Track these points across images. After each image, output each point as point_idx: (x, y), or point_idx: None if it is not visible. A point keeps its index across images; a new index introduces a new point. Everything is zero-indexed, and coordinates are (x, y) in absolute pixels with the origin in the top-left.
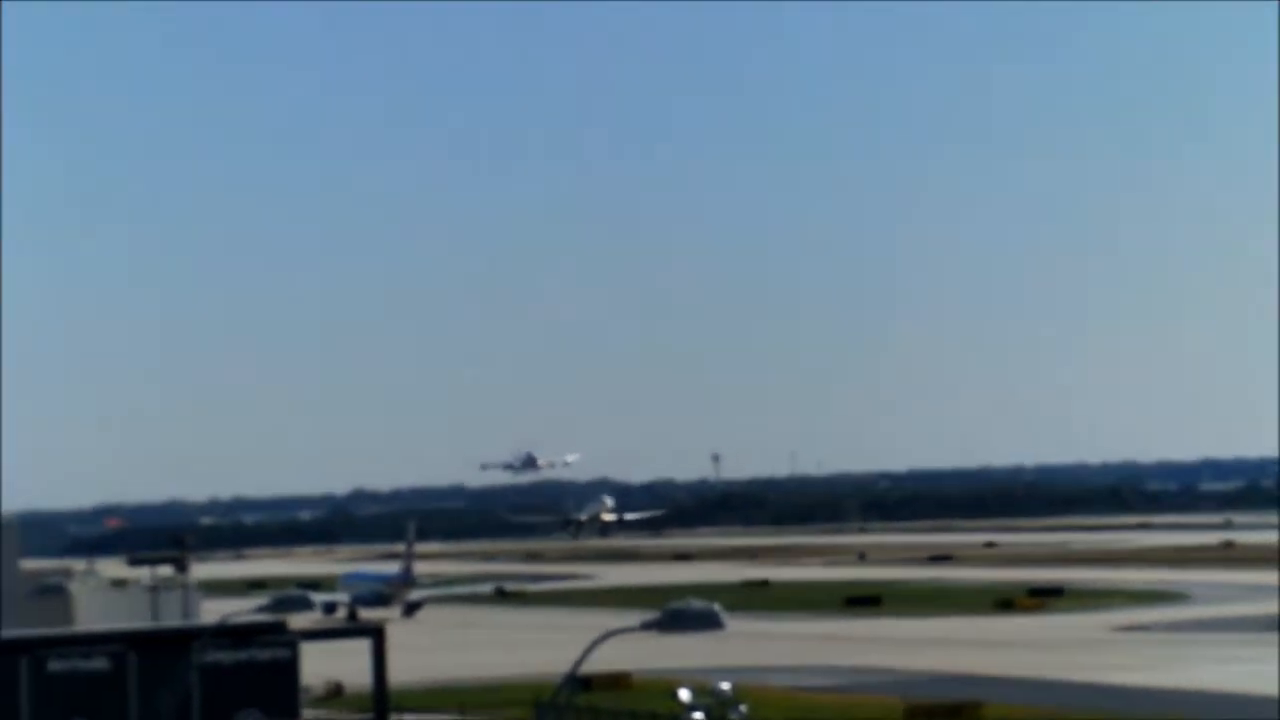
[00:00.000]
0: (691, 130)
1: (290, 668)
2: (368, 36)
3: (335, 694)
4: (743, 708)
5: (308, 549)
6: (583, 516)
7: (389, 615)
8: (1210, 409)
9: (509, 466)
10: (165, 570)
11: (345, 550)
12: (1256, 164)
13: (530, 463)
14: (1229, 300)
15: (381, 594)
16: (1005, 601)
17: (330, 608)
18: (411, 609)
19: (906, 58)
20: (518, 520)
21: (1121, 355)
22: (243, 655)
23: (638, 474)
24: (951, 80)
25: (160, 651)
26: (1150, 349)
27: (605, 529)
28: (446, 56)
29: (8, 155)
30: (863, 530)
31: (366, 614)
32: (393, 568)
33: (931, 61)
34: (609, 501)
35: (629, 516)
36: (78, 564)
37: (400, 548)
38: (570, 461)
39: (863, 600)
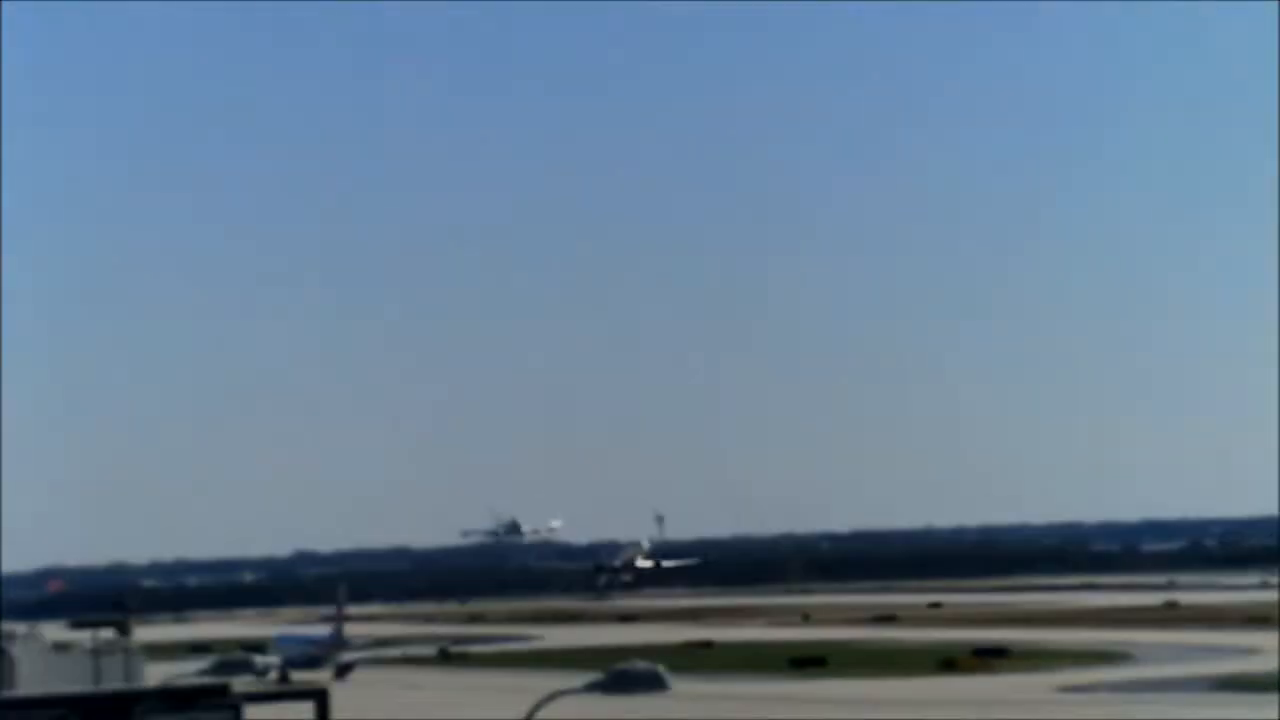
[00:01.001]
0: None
1: None
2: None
3: None
4: None
5: (250, 611)
6: (616, 563)
7: (320, 677)
8: (1152, 470)
9: (492, 533)
10: (107, 633)
11: (288, 612)
12: (1256, 164)
13: (514, 529)
14: (1173, 364)
15: (313, 656)
16: (949, 662)
17: (262, 670)
18: (343, 670)
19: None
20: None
21: (1064, 417)
22: (185, 718)
23: (580, 535)
24: (929, 89)
25: (102, 715)
26: (1093, 412)
27: (639, 577)
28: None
29: None
30: (806, 591)
31: (298, 676)
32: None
33: (897, 68)
34: (645, 545)
35: (666, 564)
36: (19, 627)
37: (345, 609)
38: (556, 528)
39: (807, 661)
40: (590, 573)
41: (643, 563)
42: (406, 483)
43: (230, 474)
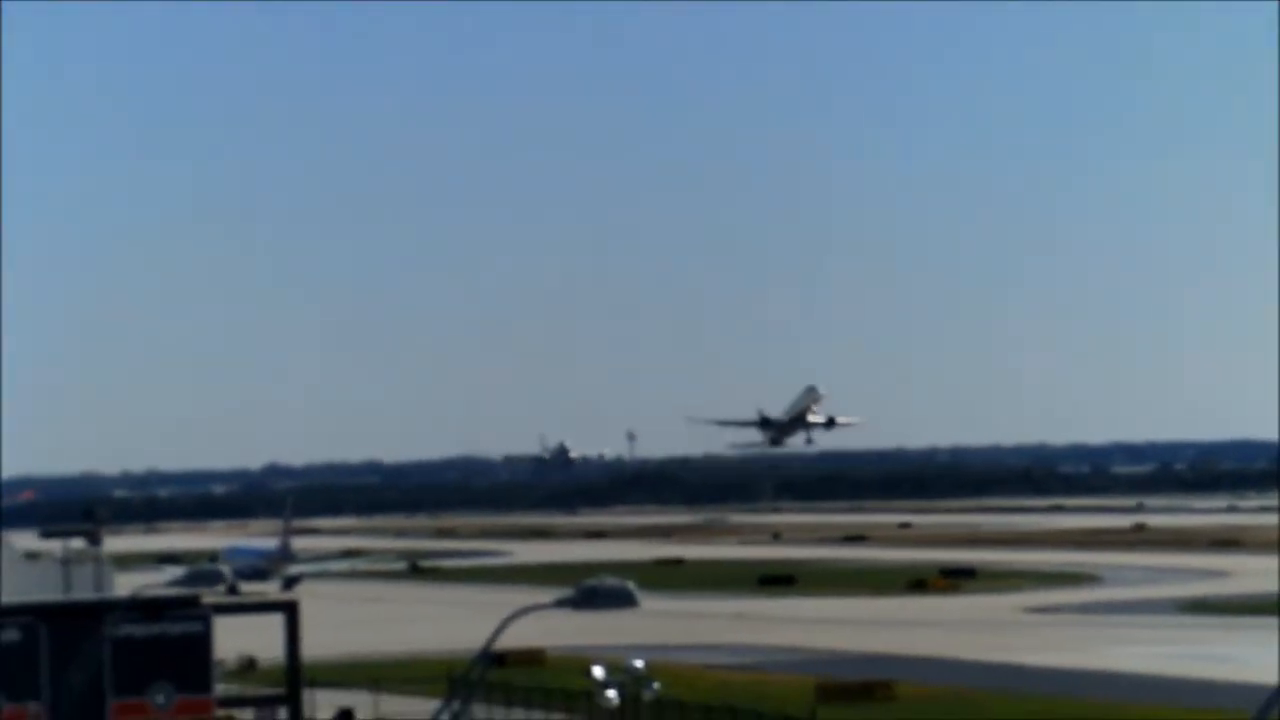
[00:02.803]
0: (627, 120)
1: (203, 642)
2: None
3: (248, 668)
4: (655, 685)
5: (221, 523)
6: (784, 417)
7: (268, 589)
8: (1122, 392)
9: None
10: (78, 543)
11: (258, 525)
12: (1257, 164)
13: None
14: (1145, 287)
15: (261, 568)
16: (918, 582)
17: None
18: (290, 583)
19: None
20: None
21: (1035, 339)
22: (155, 629)
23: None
24: (937, 79)
25: (72, 624)
26: (1064, 333)
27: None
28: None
29: None
30: (776, 510)
31: (246, 588)
32: (308, 543)
33: (903, 59)
34: (820, 392)
35: (840, 419)
36: None
37: (315, 523)
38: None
39: (776, 580)
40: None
41: (815, 417)
42: (377, 397)
43: (203, 386)
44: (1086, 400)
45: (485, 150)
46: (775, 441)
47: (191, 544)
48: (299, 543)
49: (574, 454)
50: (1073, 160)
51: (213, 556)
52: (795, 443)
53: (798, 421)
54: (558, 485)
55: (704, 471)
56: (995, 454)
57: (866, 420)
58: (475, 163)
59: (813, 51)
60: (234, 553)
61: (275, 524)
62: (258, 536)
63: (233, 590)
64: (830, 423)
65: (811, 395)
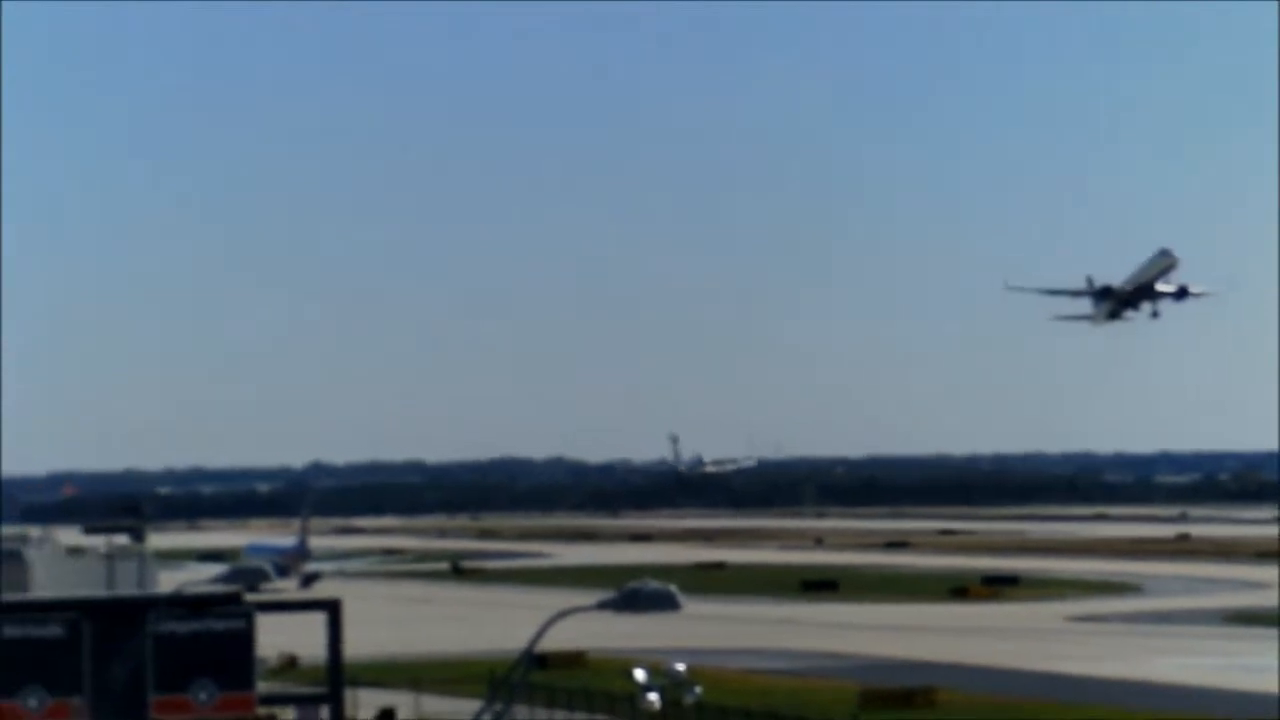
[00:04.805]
0: (655, 117)
1: (245, 639)
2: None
3: (290, 666)
4: (697, 689)
5: (263, 521)
6: (1128, 284)
7: (288, 585)
8: (1168, 403)
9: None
10: (121, 539)
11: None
12: (1256, 164)
13: (698, 463)
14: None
15: (280, 566)
16: (960, 589)
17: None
18: (309, 580)
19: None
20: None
21: (1081, 347)
22: (198, 625)
23: (594, 454)
24: (943, 78)
25: (115, 620)
26: (1110, 342)
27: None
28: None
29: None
30: (820, 515)
31: (266, 586)
32: (347, 542)
33: (909, 59)
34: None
35: (1193, 289)
36: (33, 530)
37: (356, 521)
38: (741, 462)
39: (819, 585)
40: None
41: (1165, 286)
42: (421, 397)
43: (247, 384)
44: (1131, 409)
45: (533, 146)
46: (1114, 314)
47: (234, 541)
48: (342, 541)
49: (709, 462)
50: (1097, 162)
51: (232, 554)
52: (1140, 316)
53: (1144, 291)
54: (601, 487)
55: (748, 475)
56: (1039, 461)
57: (1222, 290)
58: (517, 160)
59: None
60: (254, 550)
61: (317, 522)
62: (312, 536)
63: (253, 588)
64: (1182, 293)
65: (1164, 260)
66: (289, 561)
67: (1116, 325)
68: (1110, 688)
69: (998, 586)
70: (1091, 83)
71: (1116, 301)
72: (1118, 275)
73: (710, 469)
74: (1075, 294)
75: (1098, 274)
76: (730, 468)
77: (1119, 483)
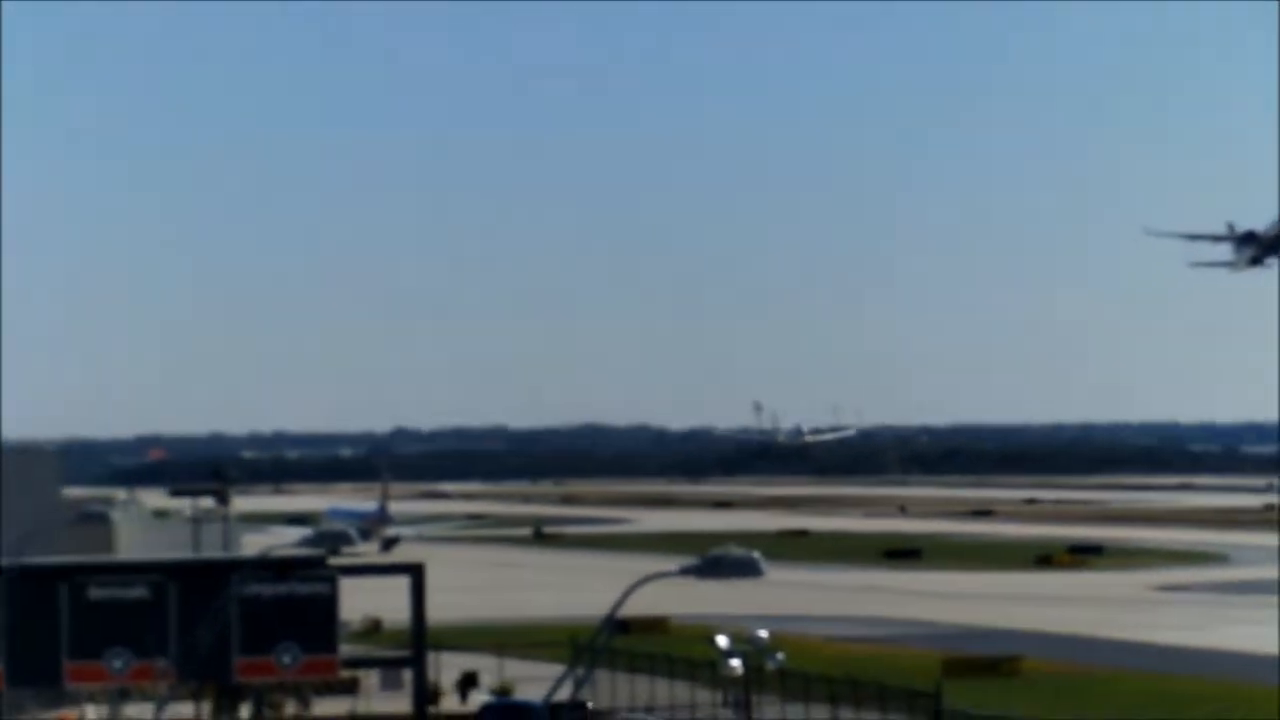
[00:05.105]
0: (734, 84)
1: (329, 602)
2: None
3: (373, 629)
4: (780, 656)
5: (347, 485)
6: (1275, 230)
7: (368, 549)
8: (1255, 372)
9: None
10: (206, 502)
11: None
12: (1256, 164)
13: (798, 433)
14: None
15: (360, 530)
16: (1045, 558)
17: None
18: (389, 544)
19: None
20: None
21: (1165, 316)
22: (282, 589)
23: (677, 421)
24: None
25: (201, 582)
26: (1194, 311)
27: None
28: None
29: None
30: (903, 483)
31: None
32: (431, 506)
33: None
34: None
35: None
36: (119, 493)
37: (442, 486)
38: (841, 432)
39: (902, 553)
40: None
41: None
42: (505, 363)
43: (332, 349)
44: (1216, 379)
45: (607, 108)
46: (1256, 261)
47: (318, 505)
48: (426, 506)
49: (808, 433)
50: (1189, 136)
51: (314, 517)
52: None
53: None
54: (684, 454)
55: (831, 442)
56: (1123, 431)
57: None
58: (592, 126)
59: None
60: (334, 514)
61: (402, 487)
62: (394, 500)
63: (334, 552)
64: None
65: None
66: (369, 526)
67: (1232, 282)
68: (1195, 657)
69: (1083, 556)
70: (1086, 81)
71: (1260, 248)
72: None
73: (810, 439)
74: (1216, 239)
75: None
76: (830, 437)
77: (1204, 453)
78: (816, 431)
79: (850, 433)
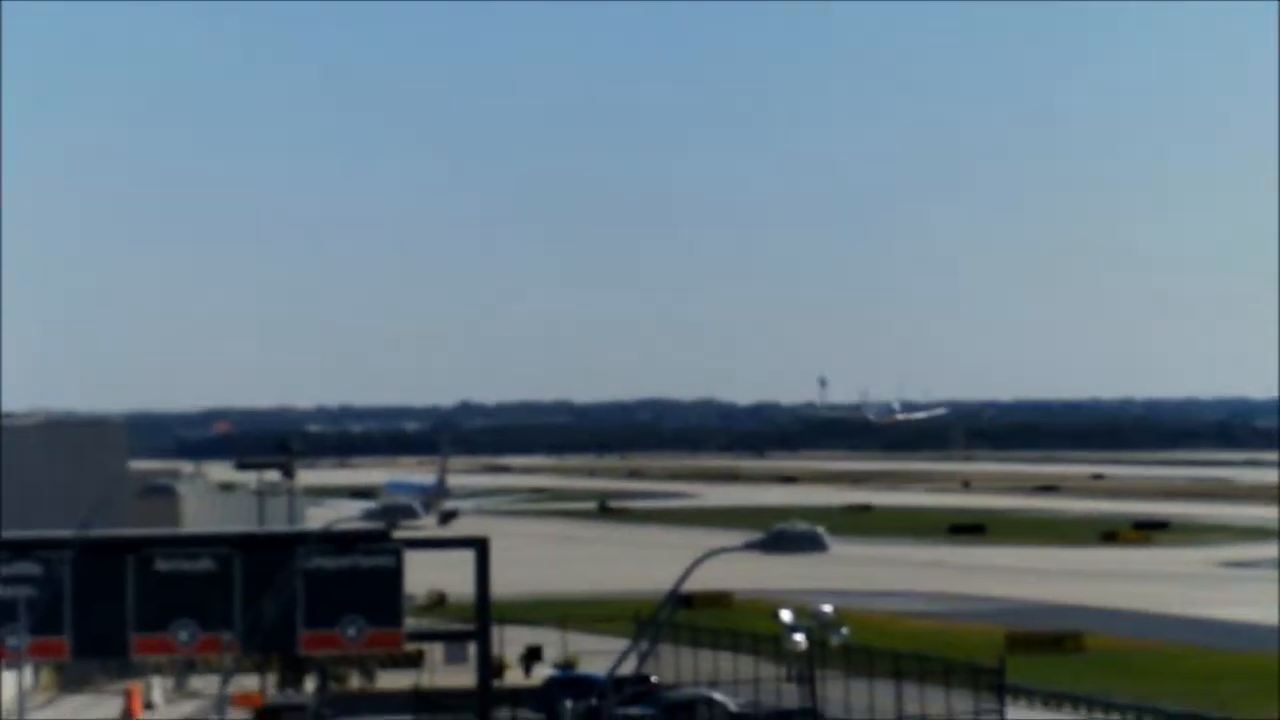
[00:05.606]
0: (782, 63)
1: (394, 575)
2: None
3: (438, 603)
4: (844, 631)
5: (411, 459)
6: None
7: (427, 523)
8: None
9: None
10: (272, 475)
11: (451, 462)
12: (1257, 163)
13: (888, 410)
14: None
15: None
16: (1110, 534)
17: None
18: (447, 518)
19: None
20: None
21: (1233, 291)
22: (346, 562)
23: (743, 396)
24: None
25: (266, 555)
26: (1261, 285)
27: None
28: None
29: None
30: (968, 459)
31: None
32: (493, 480)
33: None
34: None
35: None
36: (185, 466)
37: (505, 460)
38: (931, 411)
39: (967, 528)
40: None
41: None
42: (569, 337)
43: (398, 324)
44: None
45: (675, 75)
46: None
47: (382, 479)
48: (490, 480)
49: (899, 410)
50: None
51: (373, 491)
52: None
53: None
54: (748, 429)
55: (922, 421)
56: (1191, 407)
57: None
58: (657, 93)
59: None
60: (393, 487)
61: (466, 461)
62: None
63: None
64: None
65: None
66: (428, 499)
67: None
68: (1262, 633)
69: (1148, 531)
70: (1087, 81)
71: None
72: None
73: (901, 417)
74: None
75: None
76: (921, 416)
77: (1273, 428)
78: (909, 409)
79: (942, 411)
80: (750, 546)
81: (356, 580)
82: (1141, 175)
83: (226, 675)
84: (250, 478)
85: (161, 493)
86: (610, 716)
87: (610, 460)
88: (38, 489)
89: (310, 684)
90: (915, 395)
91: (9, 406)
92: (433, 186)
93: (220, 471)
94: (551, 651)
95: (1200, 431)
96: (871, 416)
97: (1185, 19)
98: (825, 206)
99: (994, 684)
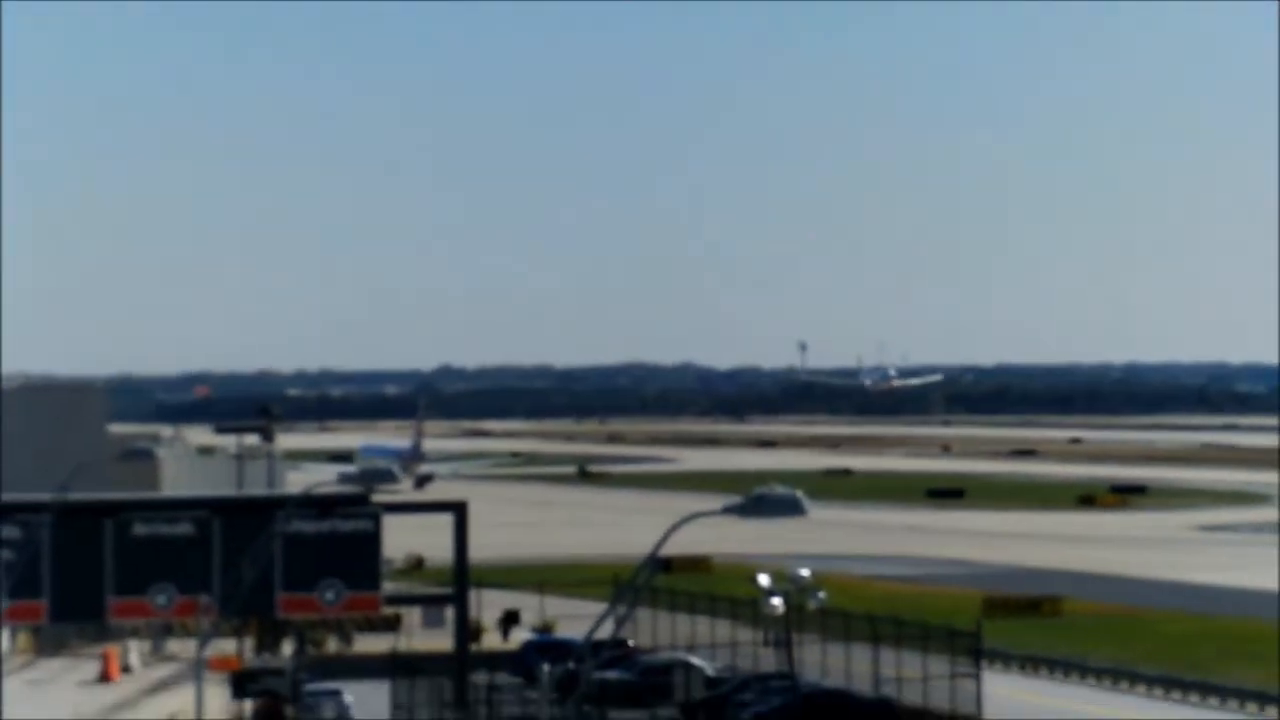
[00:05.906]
0: (776, 43)
1: (372, 539)
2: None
3: (416, 567)
4: (821, 595)
5: (391, 423)
6: None
7: (401, 487)
8: None
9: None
10: (251, 439)
11: (429, 425)
12: (1257, 164)
13: (884, 376)
14: None
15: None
16: (1088, 498)
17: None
18: (422, 481)
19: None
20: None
21: (1212, 256)
22: (325, 526)
23: (723, 360)
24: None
25: (244, 519)
26: (1241, 251)
27: None
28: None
29: None
30: (947, 423)
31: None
32: (472, 444)
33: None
34: None
35: None
36: (165, 430)
37: (485, 424)
38: (927, 378)
39: (945, 492)
40: None
41: None
42: (550, 301)
43: (377, 287)
44: (1266, 318)
45: (684, 55)
46: None
47: (362, 443)
48: (470, 444)
49: (895, 380)
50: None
51: (351, 455)
52: None
53: None
54: (727, 394)
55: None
56: (1170, 371)
57: None
58: (669, 70)
59: None
60: (368, 451)
61: (446, 425)
62: (429, 437)
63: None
64: None
65: None
66: (403, 463)
67: None
68: (1239, 597)
69: (1126, 495)
70: (1088, 80)
71: None
72: None
73: (897, 384)
74: None
75: None
76: (917, 382)
77: (1251, 393)
78: (905, 375)
79: (938, 378)
80: (729, 511)
81: (335, 544)
82: (1121, 139)
83: (204, 639)
84: (229, 441)
85: (141, 456)
86: (587, 680)
87: (590, 424)
88: (18, 452)
89: (288, 648)
90: (894, 359)
91: None
92: (413, 152)
93: (200, 435)
94: (529, 615)
95: (1179, 395)
96: (867, 383)
97: None
98: (804, 172)
99: (971, 648)
